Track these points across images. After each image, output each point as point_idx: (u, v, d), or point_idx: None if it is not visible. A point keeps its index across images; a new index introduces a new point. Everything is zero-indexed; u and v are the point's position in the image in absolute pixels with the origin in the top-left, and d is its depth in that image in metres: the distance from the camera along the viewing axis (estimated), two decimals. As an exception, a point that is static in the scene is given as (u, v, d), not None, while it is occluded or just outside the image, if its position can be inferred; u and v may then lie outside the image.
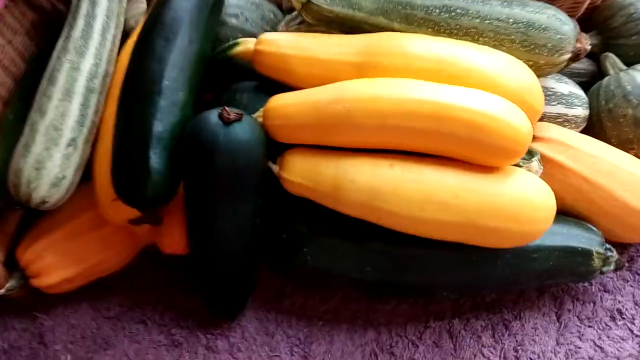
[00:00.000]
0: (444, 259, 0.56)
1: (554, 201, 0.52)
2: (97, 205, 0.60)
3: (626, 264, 0.60)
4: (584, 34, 0.66)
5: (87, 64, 0.57)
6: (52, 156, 0.54)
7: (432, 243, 0.54)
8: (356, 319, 0.64)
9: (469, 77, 0.53)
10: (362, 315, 0.65)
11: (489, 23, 0.57)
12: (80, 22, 0.59)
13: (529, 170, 0.56)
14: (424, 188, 0.49)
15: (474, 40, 0.58)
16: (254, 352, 0.63)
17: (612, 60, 0.68)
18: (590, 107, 0.67)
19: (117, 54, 0.63)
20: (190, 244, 0.59)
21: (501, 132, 0.47)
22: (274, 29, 0.66)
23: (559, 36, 0.57)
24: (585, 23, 0.75)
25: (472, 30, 0.57)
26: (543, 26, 0.56)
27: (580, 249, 0.57)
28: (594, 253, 0.57)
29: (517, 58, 0.57)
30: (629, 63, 0.68)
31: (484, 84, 0.52)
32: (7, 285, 0.62)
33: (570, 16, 0.74)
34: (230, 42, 0.60)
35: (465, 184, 0.49)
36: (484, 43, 0.57)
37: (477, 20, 0.57)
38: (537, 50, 0.57)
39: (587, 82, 0.71)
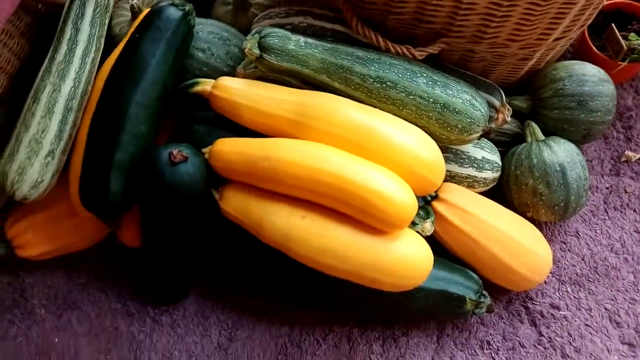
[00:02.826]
0: (345, 286, 0.68)
1: (430, 261, 0.63)
2: (71, 200, 0.72)
3: (495, 309, 0.72)
4: (507, 106, 0.75)
5: (67, 87, 0.67)
6: (32, 165, 0.66)
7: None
8: (277, 316, 0.78)
9: (381, 149, 0.62)
10: (283, 314, 0.78)
11: (412, 98, 0.66)
12: (63, 47, 0.68)
13: (423, 228, 0.67)
14: (324, 240, 0.61)
15: (399, 109, 0.67)
16: (190, 329, 0.78)
17: (532, 129, 0.77)
18: (504, 167, 0.77)
19: (97, 71, 0.72)
20: (143, 245, 0.72)
21: (387, 209, 0.58)
22: (237, 63, 0.75)
23: (469, 120, 0.66)
24: (525, 85, 0.83)
25: (398, 101, 0.66)
26: (457, 110, 0.65)
27: (456, 295, 0.69)
28: (467, 300, 0.69)
29: (433, 131, 0.67)
30: (549, 133, 0.77)
31: (389, 156, 0.62)
32: (-4, 252, 0.76)
33: (510, 78, 0.82)
34: (191, 81, 0.69)
35: (357, 241, 0.61)
36: (407, 114, 0.67)
37: (403, 94, 0.66)
38: (449, 129, 0.66)
39: (510, 142, 0.80)
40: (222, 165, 0.65)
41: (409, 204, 0.59)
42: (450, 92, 0.66)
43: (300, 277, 0.69)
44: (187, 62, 0.73)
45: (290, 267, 0.65)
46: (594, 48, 0.82)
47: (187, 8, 0.69)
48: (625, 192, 0.83)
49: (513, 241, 0.70)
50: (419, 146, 0.63)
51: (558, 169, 0.71)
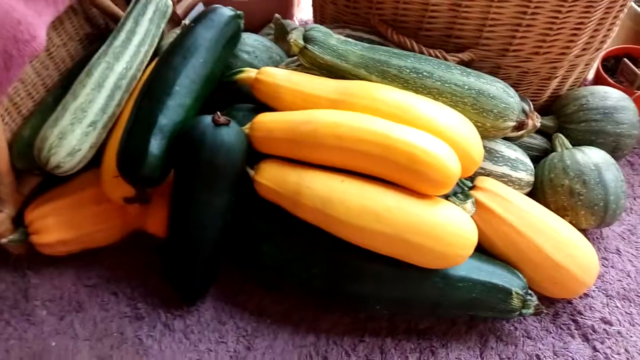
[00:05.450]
0: (380, 272, 0.64)
1: (475, 233, 0.60)
2: (100, 181, 0.71)
3: (544, 311, 0.66)
4: (536, 113, 0.78)
5: (120, 67, 0.71)
6: (74, 131, 0.67)
7: (372, 257, 0.62)
8: (301, 323, 0.71)
9: (421, 123, 0.63)
10: (307, 321, 0.72)
11: (448, 86, 0.69)
12: (122, 35, 0.73)
13: (464, 209, 0.65)
14: (364, 201, 0.59)
15: (435, 98, 0.69)
16: (204, 336, 0.71)
17: (561, 140, 0.79)
18: (536, 176, 0.77)
19: (147, 66, 0.77)
20: (169, 227, 0.68)
21: (433, 165, 0.57)
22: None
23: (503, 105, 0.68)
24: (548, 109, 0.87)
25: (434, 90, 0.69)
26: (491, 95, 0.68)
27: (500, 286, 0.64)
28: (513, 293, 0.64)
29: (468, 118, 0.68)
30: (576, 145, 0.78)
31: (432, 130, 0.63)
32: (10, 237, 0.72)
33: (534, 101, 0.86)
34: (237, 69, 0.73)
35: (399, 203, 0.59)
36: (443, 101, 0.69)
37: (439, 83, 0.69)
38: (484, 114, 0.68)
39: (539, 156, 0.81)
40: (262, 135, 0.65)
41: (454, 164, 0.59)
42: (484, 81, 0.69)
43: (330, 265, 0.65)
44: (233, 62, 0.78)
45: (322, 255, 0.63)
46: (610, 80, 0.87)
47: (238, 12, 0.76)
48: (661, 214, 0.81)
49: (558, 234, 0.66)
50: (458, 123, 0.65)
51: (593, 167, 0.71)
